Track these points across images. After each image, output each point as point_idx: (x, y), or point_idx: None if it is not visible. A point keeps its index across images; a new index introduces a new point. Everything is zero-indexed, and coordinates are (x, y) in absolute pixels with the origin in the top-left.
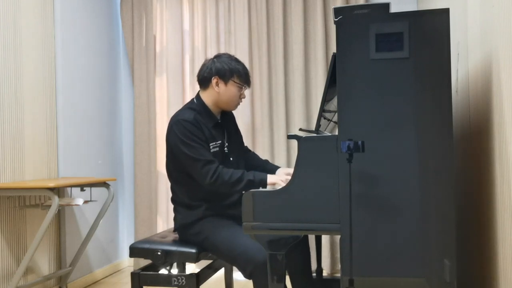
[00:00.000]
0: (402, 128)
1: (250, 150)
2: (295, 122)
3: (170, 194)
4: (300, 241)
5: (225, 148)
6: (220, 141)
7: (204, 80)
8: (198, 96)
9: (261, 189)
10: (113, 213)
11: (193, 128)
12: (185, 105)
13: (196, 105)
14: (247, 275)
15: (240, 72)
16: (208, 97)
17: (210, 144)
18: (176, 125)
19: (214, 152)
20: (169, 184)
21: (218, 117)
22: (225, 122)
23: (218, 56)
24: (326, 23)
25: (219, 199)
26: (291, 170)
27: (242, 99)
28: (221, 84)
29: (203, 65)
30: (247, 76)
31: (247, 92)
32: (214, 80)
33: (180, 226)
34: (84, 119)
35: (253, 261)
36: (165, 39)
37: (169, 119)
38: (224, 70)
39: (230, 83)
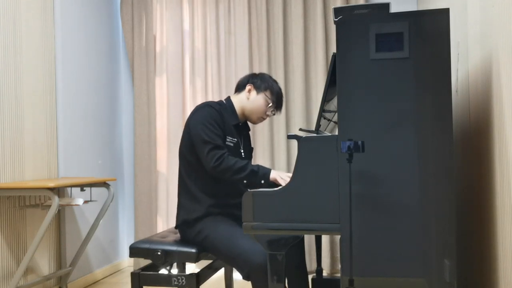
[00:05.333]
0: (402, 128)
1: None
2: (295, 122)
3: (171, 194)
4: None
5: (242, 152)
6: (236, 140)
7: (240, 84)
8: (228, 98)
9: (262, 183)
10: (113, 213)
11: (216, 114)
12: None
13: (224, 103)
14: (245, 277)
15: (273, 89)
16: (237, 101)
17: (227, 137)
18: (202, 108)
19: (228, 146)
20: (169, 184)
21: (240, 121)
22: (244, 131)
23: (261, 74)
24: (326, 23)
25: (226, 197)
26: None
27: (266, 117)
28: (253, 92)
29: (246, 75)
30: (278, 97)
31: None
32: (248, 87)
33: (182, 224)
34: (84, 119)
35: (250, 263)
36: (165, 39)
37: (169, 119)
38: (260, 83)
39: (261, 94)
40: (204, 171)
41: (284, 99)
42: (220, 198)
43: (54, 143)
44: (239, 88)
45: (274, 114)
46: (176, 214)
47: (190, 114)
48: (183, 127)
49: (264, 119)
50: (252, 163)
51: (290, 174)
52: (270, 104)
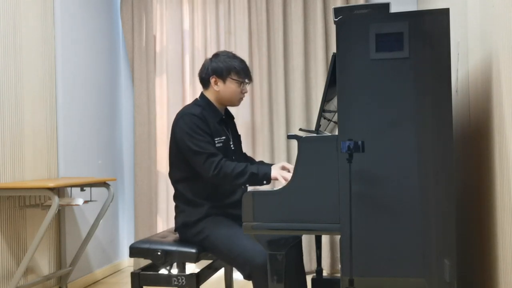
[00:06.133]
0: (402, 128)
1: (247, 156)
2: (295, 122)
3: (171, 194)
4: None
5: (232, 145)
6: (224, 137)
7: (203, 80)
8: (202, 95)
9: (264, 183)
10: (113, 213)
11: (199, 121)
12: (191, 103)
13: (201, 102)
14: (246, 276)
15: (236, 68)
16: (210, 95)
17: (215, 139)
18: (183, 118)
19: (218, 147)
20: (169, 184)
21: (223, 113)
22: (228, 122)
23: (216, 55)
24: (326, 23)
25: (222, 198)
26: (286, 164)
27: (245, 94)
28: (220, 83)
29: (202, 66)
30: (244, 71)
31: (249, 88)
32: (212, 80)
33: (181, 225)
34: (84, 119)
35: (251, 263)
36: (165, 39)
37: (169, 119)
38: (221, 69)
39: (228, 80)
40: (195, 177)
41: (249, 66)
42: (216, 200)
43: (54, 143)
44: (205, 83)
45: (248, 84)
46: (174, 217)
47: (173, 125)
48: None
49: (243, 97)
50: (246, 153)
51: (292, 166)
52: (241, 82)
